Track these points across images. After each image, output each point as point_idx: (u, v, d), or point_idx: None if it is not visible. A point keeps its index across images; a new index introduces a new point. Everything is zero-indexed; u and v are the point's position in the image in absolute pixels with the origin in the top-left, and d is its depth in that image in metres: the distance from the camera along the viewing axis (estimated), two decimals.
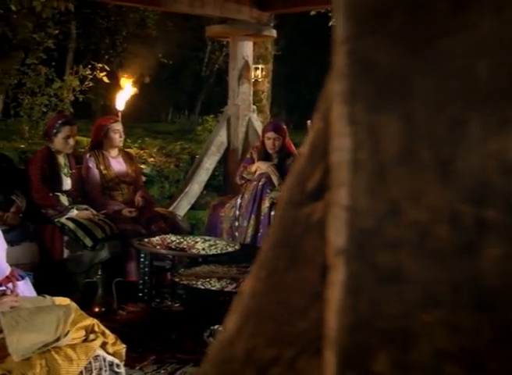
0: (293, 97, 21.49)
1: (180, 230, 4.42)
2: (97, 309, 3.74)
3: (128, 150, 5.88)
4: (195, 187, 5.57)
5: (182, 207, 5.44)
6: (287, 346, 0.60)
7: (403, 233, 0.50)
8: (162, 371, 3.07)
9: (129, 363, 3.00)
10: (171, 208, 5.20)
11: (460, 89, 0.47)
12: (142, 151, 7.10)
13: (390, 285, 0.51)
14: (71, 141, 4.24)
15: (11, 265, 3.15)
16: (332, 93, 0.54)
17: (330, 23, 10.60)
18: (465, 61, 0.46)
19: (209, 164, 5.61)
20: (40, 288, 2.94)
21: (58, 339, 2.14)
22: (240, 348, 0.63)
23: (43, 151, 4.30)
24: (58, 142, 4.21)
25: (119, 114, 6.48)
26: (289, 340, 0.60)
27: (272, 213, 4.40)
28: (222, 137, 5.64)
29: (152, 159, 6.85)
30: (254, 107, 5.79)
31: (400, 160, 0.50)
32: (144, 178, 5.97)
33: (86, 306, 3.53)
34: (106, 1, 7.23)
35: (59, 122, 4.24)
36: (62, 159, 4.31)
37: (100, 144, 4.64)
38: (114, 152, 4.67)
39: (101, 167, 4.56)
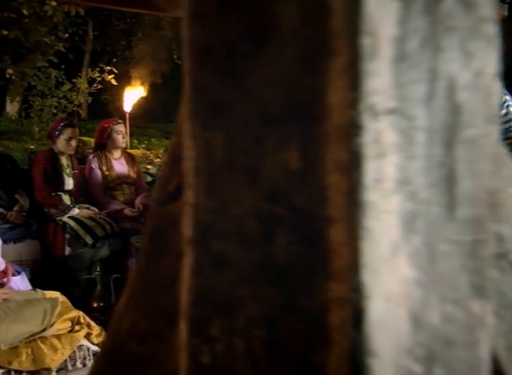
0: None
1: None
2: (95, 304, 3.90)
3: (134, 150, 6.05)
4: None
5: None
6: (158, 319, 0.73)
7: (228, 225, 0.63)
8: None
9: None
10: None
11: (261, 113, 0.60)
12: (149, 152, 7.27)
13: (220, 267, 0.64)
14: (73, 143, 4.40)
15: (14, 261, 3.31)
16: (182, 114, 0.68)
17: None
18: (265, 91, 0.59)
19: None
20: (42, 284, 3.08)
21: (44, 329, 2.30)
22: (126, 322, 0.77)
23: (46, 152, 4.47)
24: (60, 144, 4.37)
25: (127, 116, 6.64)
26: (159, 314, 0.73)
27: None
28: None
29: (158, 160, 7.01)
30: None
31: (225, 168, 0.63)
32: (149, 178, 6.13)
33: (86, 301, 3.68)
34: (109, 8, 7.39)
35: (62, 124, 4.41)
36: (64, 160, 4.47)
37: (103, 145, 4.80)
38: (117, 154, 4.83)
39: (104, 168, 4.72)
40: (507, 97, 4.28)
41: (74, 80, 9.07)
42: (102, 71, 8.81)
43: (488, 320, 0.66)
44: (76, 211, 4.32)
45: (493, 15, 0.64)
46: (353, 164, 0.54)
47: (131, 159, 4.92)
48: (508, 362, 0.71)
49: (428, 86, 0.58)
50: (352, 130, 0.53)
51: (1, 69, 8.38)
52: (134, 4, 5.47)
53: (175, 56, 14.92)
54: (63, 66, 9.06)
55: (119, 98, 13.16)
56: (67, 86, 8.74)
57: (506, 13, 4.68)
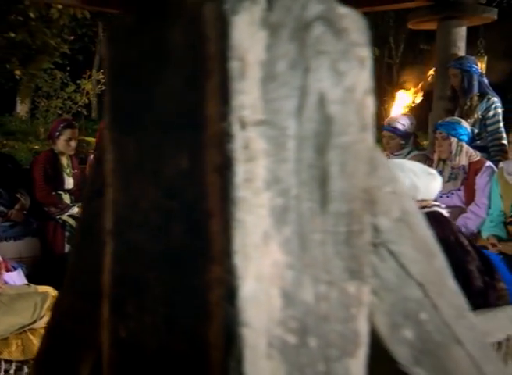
0: None
1: None
2: None
3: None
4: None
5: None
6: (88, 301, 0.84)
7: (138, 218, 0.74)
8: None
9: None
10: None
11: (161, 122, 0.71)
12: None
13: (133, 254, 0.75)
14: (73, 143, 4.54)
15: (14, 258, 3.44)
16: (104, 122, 0.79)
17: None
18: (163, 104, 0.70)
19: None
20: (41, 280, 3.21)
21: (34, 322, 2.42)
22: (64, 304, 0.88)
23: (46, 152, 4.62)
24: (60, 144, 4.51)
25: None
26: (89, 296, 0.84)
27: None
28: None
29: None
30: None
31: (136, 168, 0.74)
32: None
33: None
34: (112, 11, 7.53)
35: (61, 125, 4.54)
36: (65, 160, 4.61)
37: None
38: None
39: None
40: (495, 99, 4.37)
41: (78, 82, 9.25)
42: None
43: (365, 300, 0.77)
44: (75, 209, 4.46)
45: (364, 39, 0.75)
46: (226, 166, 0.64)
47: None
48: (390, 338, 0.82)
49: (298, 101, 0.68)
50: (224, 138, 0.64)
51: (10, 70, 8.57)
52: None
53: None
54: (68, 68, 9.24)
55: None
56: (72, 87, 8.91)
57: (495, 17, 4.78)
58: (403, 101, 9.30)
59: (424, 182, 1.57)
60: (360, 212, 0.76)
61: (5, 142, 7.45)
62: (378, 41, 18.09)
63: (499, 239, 3.54)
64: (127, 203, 0.75)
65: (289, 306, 0.69)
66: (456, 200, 3.86)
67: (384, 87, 17.26)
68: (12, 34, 8.09)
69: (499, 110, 4.32)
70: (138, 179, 0.74)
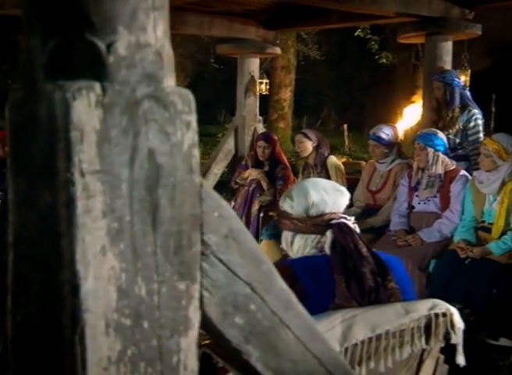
0: (345, 98, 21.88)
1: None
2: None
3: None
4: None
5: None
6: (4, 296, 1.14)
7: (27, 235, 1.04)
8: None
9: None
10: None
11: (35, 169, 1.00)
12: None
13: (24, 261, 1.04)
14: None
15: None
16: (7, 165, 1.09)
17: (356, 33, 11.13)
18: (37, 156, 0.99)
19: (217, 169, 6.20)
20: None
21: None
22: None
23: None
24: None
25: None
26: (4, 292, 1.14)
27: (261, 215, 4.96)
28: (229, 145, 6.21)
29: None
30: (260, 118, 6.33)
31: (25, 200, 1.03)
32: None
33: None
34: None
35: None
36: None
37: None
38: None
39: None
40: (476, 110, 4.61)
41: None
42: None
43: (195, 294, 1.04)
44: None
45: (189, 108, 1.02)
46: (70, 202, 0.93)
47: None
48: (221, 323, 1.09)
49: (130, 155, 0.95)
50: (69, 183, 0.92)
51: None
52: None
53: (212, 60, 15.36)
54: None
55: None
56: None
57: (479, 33, 5.00)
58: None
59: (332, 198, 1.83)
60: (189, 232, 1.03)
61: None
62: (404, 43, 18.12)
63: (469, 243, 3.78)
64: (20, 223, 1.04)
65: (124, 298, 0.96)
66: (433, 206, 4.11)
67: (410, 88, 17.31)
68: None
69: (480, 121, 4.57)
70: (26, 206, 1.02)
